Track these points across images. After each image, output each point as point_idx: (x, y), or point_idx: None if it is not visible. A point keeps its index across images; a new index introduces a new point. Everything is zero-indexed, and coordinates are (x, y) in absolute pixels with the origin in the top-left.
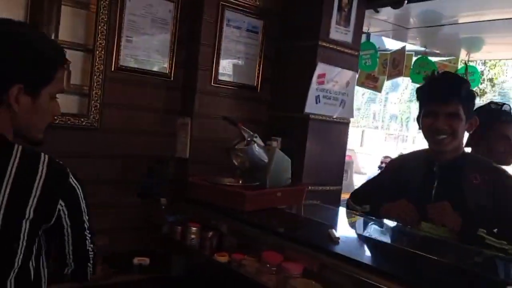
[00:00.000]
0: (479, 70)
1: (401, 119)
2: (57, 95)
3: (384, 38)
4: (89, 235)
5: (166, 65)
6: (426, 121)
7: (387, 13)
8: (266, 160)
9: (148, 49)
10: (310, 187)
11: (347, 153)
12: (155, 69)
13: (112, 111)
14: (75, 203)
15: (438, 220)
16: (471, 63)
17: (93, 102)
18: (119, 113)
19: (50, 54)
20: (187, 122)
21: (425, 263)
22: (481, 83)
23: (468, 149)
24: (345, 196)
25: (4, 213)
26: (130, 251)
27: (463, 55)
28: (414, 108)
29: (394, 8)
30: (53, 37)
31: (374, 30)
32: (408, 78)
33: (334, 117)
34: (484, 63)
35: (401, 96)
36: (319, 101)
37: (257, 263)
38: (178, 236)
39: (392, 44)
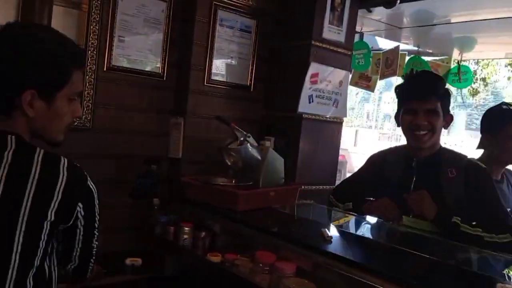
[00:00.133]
0: (472, 69)
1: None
2: None
3: (377, 38)
4: (97, 233)
5: (159, 65)
6: (406, 118)
7: (380, 12)
8: (259, 160)
9: (140, 49)
10: (303, 187)
11: (341, 152)
12: (148, 69)
13: (105, 111)
14: (91, 205)
15: (416, 208)
16: (464, 63)
17: (85, 102)
18: (112, 113)
19: (64, 57)
20: (180, 122)
21: (417, 261)
22: (474, 83)
23: (474, 151)
24: None
25: (29, 215)
26: (122, 251)
27: (456, 54)
28: None
29: (386, 8)
30: None
31: (367, 29)
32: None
33: (327, 116)
34: (477, 63)
35: (394, 95)
36: (312, 101)
37: (250, 263)
38: (170, 236)
39: (385, 44)
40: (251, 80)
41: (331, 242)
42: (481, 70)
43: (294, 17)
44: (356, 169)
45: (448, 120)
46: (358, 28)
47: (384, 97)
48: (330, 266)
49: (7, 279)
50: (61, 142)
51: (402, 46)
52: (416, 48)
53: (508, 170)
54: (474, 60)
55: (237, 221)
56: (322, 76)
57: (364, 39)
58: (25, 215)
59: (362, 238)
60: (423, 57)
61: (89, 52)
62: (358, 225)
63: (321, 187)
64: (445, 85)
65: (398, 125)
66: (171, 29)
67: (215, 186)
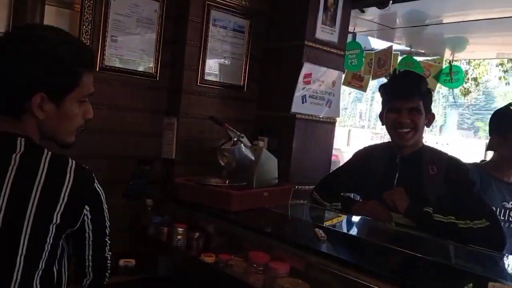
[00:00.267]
0: (464, 69)
1: None
2: None
3: (369, 38)
4: (109, 242)
5: (151, 64)
6: (390, 116)
7: (372, 13)
8: (253, 160)
9: (133, 49)
10: (297, 187)
11: (334, 152)
12: (141, 69)
13: (97, 111)
14: (99, 208)
15: (390, 202)
16: (455, 63)
17: None
18: (104, 113)
19: (73, 60)
20: (173, 122)
21: (409, 260)
22: (466, 82)
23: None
24: None
25: (34, 217)
26: (115, 252)
27: (447, 54)
28: None
29: (379, 8)
30: None
31: (360, 30)
32: None
33: (321, 116)
34: (469, 63)
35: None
36: (306, 101)
37: (244, 263)
38: (164, 237)
39: (378, 44)
40: (244, 80)
41: (325, 242)
42: (473, 70)
43: (287, 17)
44: None
45: (430, 118)
46: (351, 28)
47: (377, 97)
48: (324, 266)
49: (12, 281)
50: (72, 144)
51: (395, 46)
52: (408, 48)
53: None
54: (465, 60)
55: (231, 222)
56: (315, 76)
57: (357, 39)
58: (31, 217)
59: (355, 238)
60: (415, 57)
61: None
62: (351, 224)
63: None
64: (427, 84)
65: (383, 124)
66: (164, 29)
67: (209, 187)
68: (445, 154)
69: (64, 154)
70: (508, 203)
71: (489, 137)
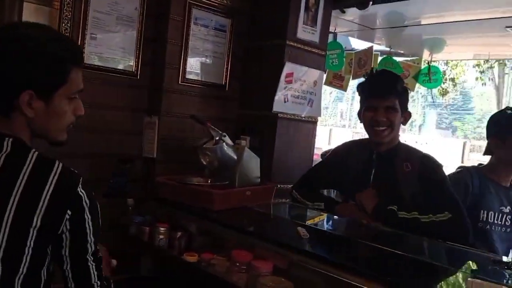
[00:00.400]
0: (442, 70)
1: None
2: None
3: (350, 38)
4: (94, 263)
5: (132, 63)
6: (366, 115)
7: (353, 13)
8: (235, 159)
9: (113, 46)
10: (279, 186)
11: (315, 151)
12: (121, 67)
13: None
14: (81, 217)
15: (359, 203)
16: (433, 63)
17: None
18: (85, 112)
19: (60, 56)
20: (155, 121)
21: (391, 258)
22: (444, 83)
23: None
24: None
25: (13, 219)
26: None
27: (426, 55)
28: None
29: (359, 9)
30: None
31: (341, 30)
32: None
33: (302, 115)
34: (446, 63)
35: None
36: (287, 100)
37: (227, 262)
38: (146, 237)
39: (358, 44)
40: (226, 79)
41: (307, 240)
42: (450, 70)
43: (269, 16)
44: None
45: (406, 116)
46: (331, 29)
47: (357, 96)
48: (306, 264)
49: None
50: (65, 142)
51: (375, 47)
52: (388, 49)
53: None
54: (443, 61)
55: (213, 221)
56: (297, 76)
57: (338, 40)
58: (9, 219)
59: (337, 236)
60: (394, 58)
61: None
62: (333, 223)
63: None
64: (403, 84)
65: (361, 121)
66: (145, 27)
67: (191, 186)
68: (419, 152)
69: (49, 155)
70: (506, 208)
71: (486, 141)
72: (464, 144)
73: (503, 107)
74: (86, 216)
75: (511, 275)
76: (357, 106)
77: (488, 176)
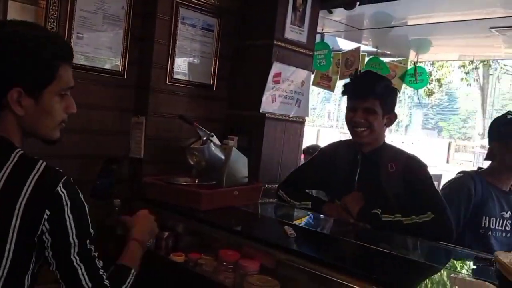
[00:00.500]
0: (428, 70)
1: None
2: None
3: (337, 39)
4: (82, 263)
5: (118, 62)
6: (347, 115)
7: (340, 14)
8: (223, 159)
9: (99, 46)
10: (266, 186)
11: (303, 152)
12: (107, 66)
13: None
14: (61, 217)
15: (344, 206)
16: (420, 64)
17: None
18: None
19: (48, 52)
20: (142, 121)
21: (378, 256)
22: (430, 83)
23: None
24: None
25: None
26: None
27: (412, 56)
28: None
29: (346, 9)
30: None
31: (328, 30)
32: None
33: (290, 116)
34: (432, 64)
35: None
36: (275, 100)
37: (214, 262)
38: None
39: (345, 45)
40: (214, 79)
41: (294, 239)
42: (436, 71)
43: (257, 16)
44: None
45: (392, 118)
46: (319, 29)
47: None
48: (294, 263)
49: None
50: (58, 140)
51: (362, 47)
52: (375, 49)
53: None
54: (429, 61)
55: (200, 221)
56: (284, 76)
57: (325, 40)
58: None
59: (324, 235)
60: (381, 58)
61: None
62: (320, 222)
63: None
64: (387, 85)
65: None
66: (132, 26)
67: (178, 186)
68: (404, 153)
69: (36, 155)
70: (506, 213)
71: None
72: (449, 144)
73: (488, 107)
74: (67, 217)
75: (493, 271)
76: (344, 107)
77: (488, 181)
